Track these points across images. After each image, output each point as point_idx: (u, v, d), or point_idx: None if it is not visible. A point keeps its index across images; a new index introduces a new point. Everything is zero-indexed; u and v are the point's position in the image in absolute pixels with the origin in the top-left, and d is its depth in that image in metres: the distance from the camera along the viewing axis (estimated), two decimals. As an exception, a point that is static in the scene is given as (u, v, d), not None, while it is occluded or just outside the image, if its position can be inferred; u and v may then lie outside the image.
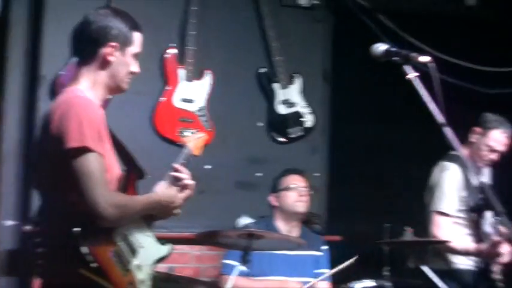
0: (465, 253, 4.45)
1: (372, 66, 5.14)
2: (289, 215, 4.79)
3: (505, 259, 4.38)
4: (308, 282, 4.57)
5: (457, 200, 4.52)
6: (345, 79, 5.87)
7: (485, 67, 5.89)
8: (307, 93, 5.64)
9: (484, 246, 4.34)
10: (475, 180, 3.85)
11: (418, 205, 5.75)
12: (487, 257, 4.37)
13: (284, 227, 4.76)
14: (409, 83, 2.89)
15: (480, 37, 5.97)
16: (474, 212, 4.11)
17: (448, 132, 2.86)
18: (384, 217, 5.53)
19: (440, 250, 4.53)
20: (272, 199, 4.83)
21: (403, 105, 5.41)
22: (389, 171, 6.01)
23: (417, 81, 2.87)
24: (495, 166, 4.71)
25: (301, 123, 5.59)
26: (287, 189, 4.79)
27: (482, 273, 4.41)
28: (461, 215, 4.53)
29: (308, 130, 5.63)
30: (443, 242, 4.41)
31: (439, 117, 2.86)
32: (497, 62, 5.96)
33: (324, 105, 5.79)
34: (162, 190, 2.97)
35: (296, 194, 4.77)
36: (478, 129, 4.67)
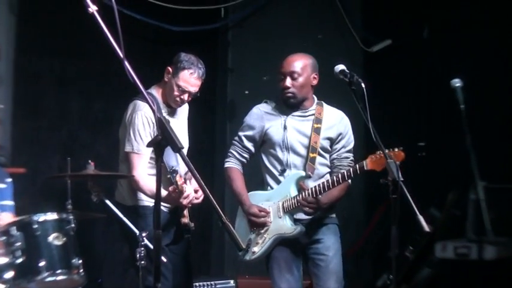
0: (153, 197, 4.34)
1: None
2: None
3: (186, 201, 4.40)
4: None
5: (150, 139, 4.08)
6: (32, 11, 5.82)
7: (171, 4, 6.08)
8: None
9: (169, 189, 4.31)
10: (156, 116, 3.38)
11: (100, 139, 6.00)
12: (170, 201, 4.40)
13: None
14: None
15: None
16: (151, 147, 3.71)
17: (128, 67, 2.83)
18: (67, 150, 5.71)
19: (133, 188, 4.49)
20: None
21: (86, 39, 5.57)
22: (72, 105, 6.12)
23: (97, 16, 2.83)
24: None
25: (-17, 54, 5.47)
26: None
27: (172, 213, 4.52)
28: (153, 155, 4.38)
29: (-8, 61, 5.52)
30: (124, 176, 4.49)
31: (120, 53, 2.83)
32: (184, 0, 6.23)
33: (9, 37, 5.70)
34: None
35: None
36: (170, 68, 4.53)
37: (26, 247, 4.11)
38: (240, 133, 4.57)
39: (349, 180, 4.34)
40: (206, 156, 6.71)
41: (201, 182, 3.02)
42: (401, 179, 3.70)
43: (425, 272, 5.57)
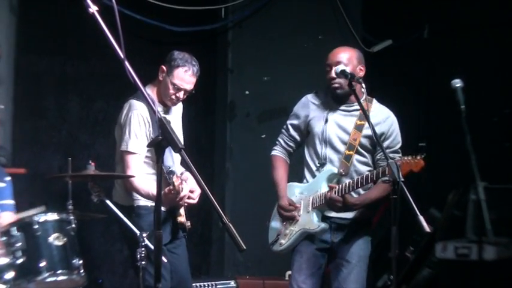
0: (147, 197, 4.40)
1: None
2: None
3: (185, 201, 4.39)
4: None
5: (145, 139, 4.40)
6: (32, 11, 5.82)
7: (171, 5, 6.09)
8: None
9: (165, 191, 4.20)
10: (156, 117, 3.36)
11: (100, 139, 6.01)
12: (166, 202, 4.30)
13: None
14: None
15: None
16: (152, 148, 3.62)
17: (129, 68, 2.84)
18: (67, 151, 5.71)
19: (127, 188, 4.47)
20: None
21: (88, 39, 5.57)
22: (72, 105, 6.12)
23: (98, 16, 2.82)
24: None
25: (-15, 54, 5.46)
26: None
27: (169, 213, 4.51)
28: (150, 154, 4.42)
29: (-8, 61, 5.52)
30: (125, 177, 4.44)
31: (120, 53, 2.82)
32: (184, 1, 6.24)
33: (9, 37, 5.70)
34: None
35: None
36: (164, 67, 4.50)
37: (26, 247, 4.12)
38: (288, 122, 4.58)
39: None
40: (206, 157, 6.71)
41: (201, 182, 3.00)
42: (402, 179, 3.70)
43: (426, 273, 5.57)
